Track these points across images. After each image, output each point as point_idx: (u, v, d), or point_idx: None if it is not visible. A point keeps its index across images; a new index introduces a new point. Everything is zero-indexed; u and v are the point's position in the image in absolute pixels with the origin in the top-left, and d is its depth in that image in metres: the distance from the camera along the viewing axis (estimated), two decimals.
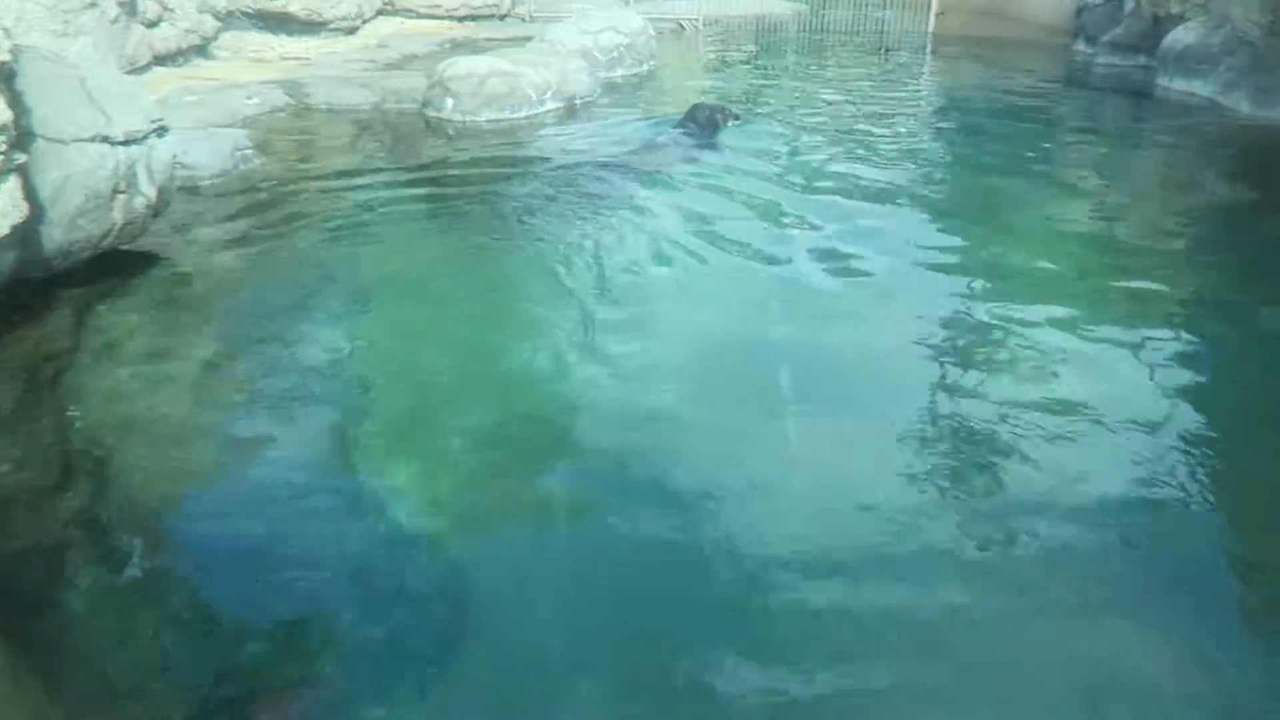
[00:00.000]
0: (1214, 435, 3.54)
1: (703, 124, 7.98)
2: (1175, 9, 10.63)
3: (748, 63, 13.05)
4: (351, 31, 12.59)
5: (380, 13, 13.67)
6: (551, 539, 2.99)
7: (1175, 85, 9.93)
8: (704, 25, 15.77)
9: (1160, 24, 10.95)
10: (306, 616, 2.65)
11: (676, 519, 3.02)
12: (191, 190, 6.27)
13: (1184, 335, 4.38)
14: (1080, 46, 12.68)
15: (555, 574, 2.80)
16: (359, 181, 6.71)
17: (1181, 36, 10.12)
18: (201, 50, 10.75)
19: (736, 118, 8.29)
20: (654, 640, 2.55)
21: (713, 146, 7.63)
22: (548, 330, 4.37)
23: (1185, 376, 3.99)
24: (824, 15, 16.66)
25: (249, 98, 8.65)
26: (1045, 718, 2.37)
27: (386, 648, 2.53)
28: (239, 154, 6.90)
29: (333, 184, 6.67)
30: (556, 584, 2.76)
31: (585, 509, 3.11)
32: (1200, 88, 9.57)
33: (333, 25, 12.17)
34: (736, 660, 2.46)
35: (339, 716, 2.33)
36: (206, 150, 6.67)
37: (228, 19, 11.28)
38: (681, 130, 7.91)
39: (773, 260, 5.23)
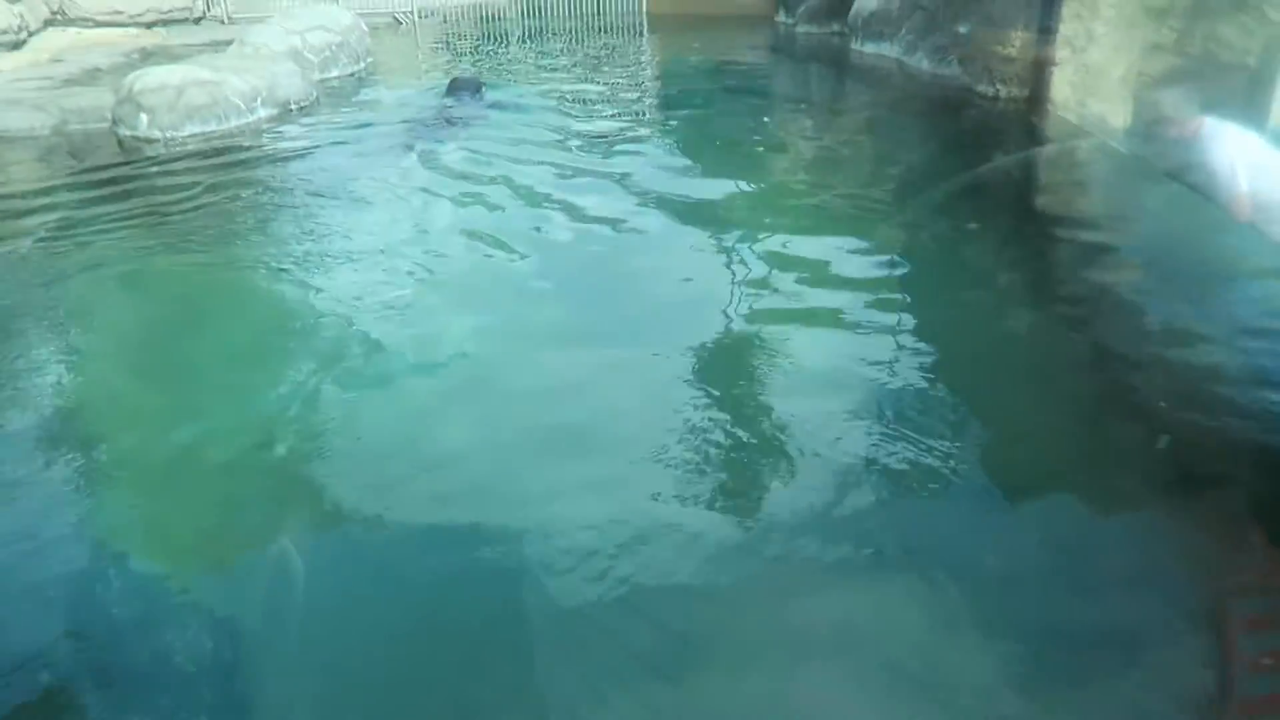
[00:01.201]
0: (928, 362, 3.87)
1: (469, 90, 9.09)
2: None
3: (472, 53, 12.85)
4: (17, 46, 11.17)
5: (49, 23, 12.24)
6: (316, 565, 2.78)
7: (867, 49, 10.79)
8: (420, 18, 15.36)
9: None
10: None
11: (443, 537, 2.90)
12: None
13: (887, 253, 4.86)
14: (781, 18, 13.51)
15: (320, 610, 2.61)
16: (44, 220, 5.92)
17: (867, 4, 10.98)
18: None
19: (485, 86, 9.39)
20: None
21: (485, 107, 8.76)
22: (277, 353, 4.07)
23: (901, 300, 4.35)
24: (542, 1, 16.72)
25: None
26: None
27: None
28: None
29: (9, 226, 5.86)
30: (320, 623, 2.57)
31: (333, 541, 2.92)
32: (888, 50, 10.44)
33: None
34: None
35: None
36: None
37: None
38: (453, 99, 8.90)
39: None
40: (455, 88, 9.10)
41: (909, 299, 4.44)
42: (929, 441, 3.25)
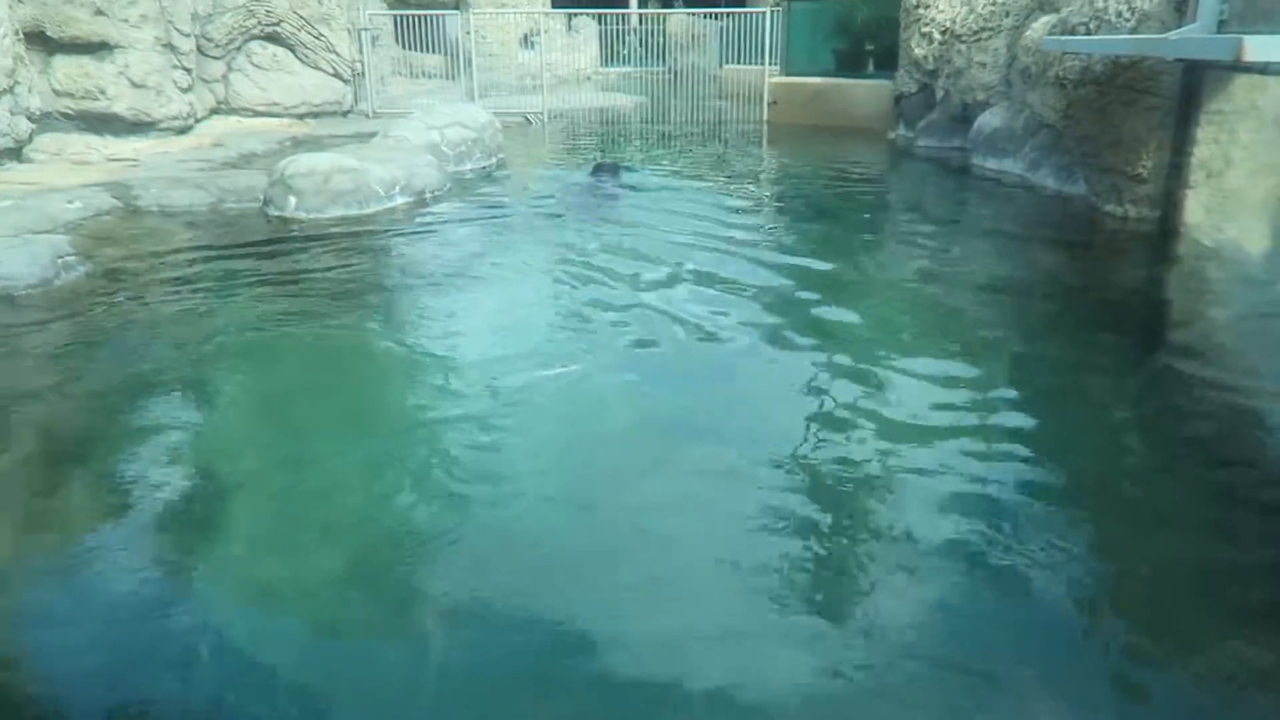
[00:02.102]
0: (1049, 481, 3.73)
1: (610, 171, 10.38)
2: (980, 96, 11.59)
3: (600, 151, 13.38)
4: (184, 131, 12.17)
5: (215, 111, 13.31)
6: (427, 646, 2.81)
7: (988, 164, 10.77)
8: (549, 119, 16.11)
9: (969, 109, 11.91)
10: None
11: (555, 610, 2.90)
12: (7, 301, 5.81)
13: (1008, 378, 4.68)
14: (900, 131, 13.65)
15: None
16: (197, 287, 6.37)
17: (989, 120, 11.02)
18: (15, 153, 10.12)
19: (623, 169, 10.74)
20: None
21: (622, 185, 9.99)
22: (417, 424, 4.21)
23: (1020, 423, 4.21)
24: (664, 106, 17.36)
25: (70, 201, 8.15)
26: None
27: None
28: (60, 261, 6.46)
29: (167, 291, 6.32)
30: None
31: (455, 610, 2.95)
32: (1010, 165, 10.41)
33: (163, 125, 11.74)
34: None
35: None
36: (23, 258, 6.21)
37: (44, 120, 10.70)
38: (596, 178, 10.20)
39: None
40: (598, 170, 10.42)
41: (1030, 423, 4.30)
42: (1052, 577, 3.12)
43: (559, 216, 8.59)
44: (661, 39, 20.89)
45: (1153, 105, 7.81)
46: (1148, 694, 2.63)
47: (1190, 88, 7.53)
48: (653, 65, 20.57)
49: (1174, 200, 7.72)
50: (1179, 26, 7.29)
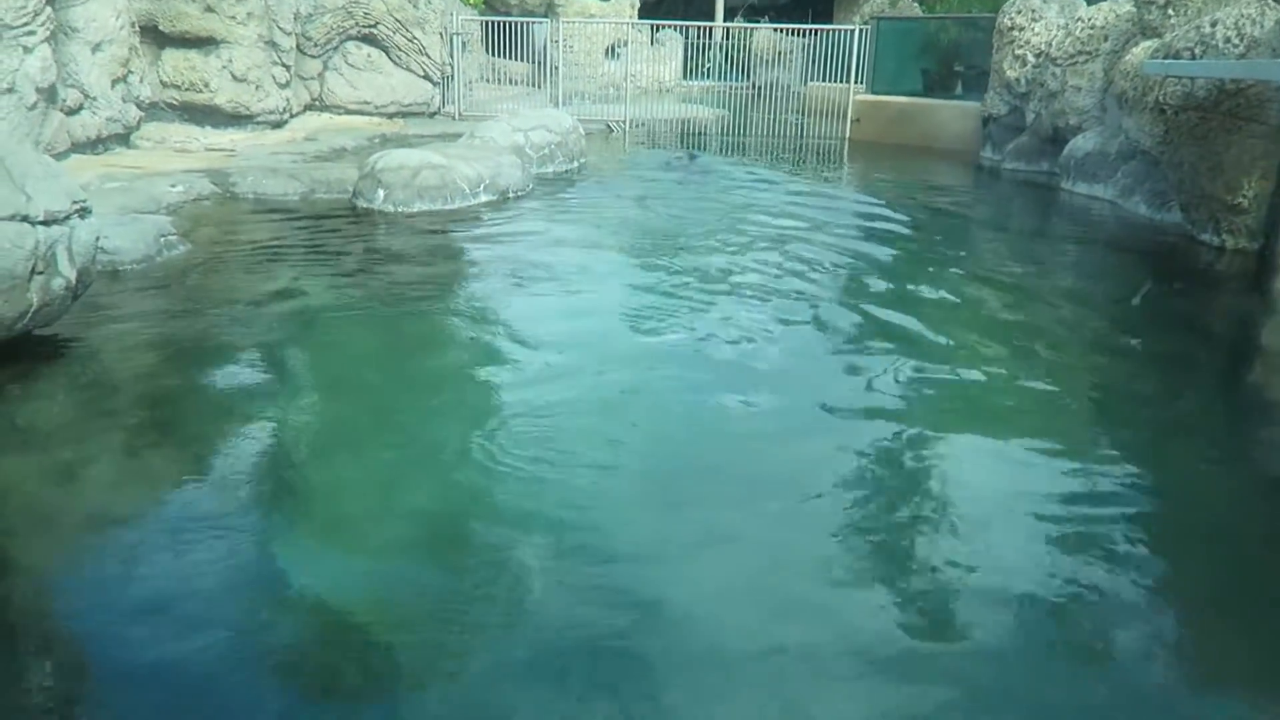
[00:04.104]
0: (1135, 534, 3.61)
1: (689, 155, 13.24)
2: (1073, 121, 11.35)
3: (677, 161, 13.45)
4: (279, 125, 12.57)
5: (309, 107, 13.71)
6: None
7: (1078, 189, 10.54)
8: (631, 127, 16.23)
9: (1060, 133, 11.67)
10: None
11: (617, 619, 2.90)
12: (113, 275, 6.05)
13: (1099, 426, 4.52)
14: (988, 154, 13.43)
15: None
16: (288, 269, 6.58)
17: (1081, 145, 10.79)
18: (124, 139, 10.56)
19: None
20: None
21: (697, 169, 12.27)
22: (493, 416, 4.26)
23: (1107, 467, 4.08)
24: (745, 120, 17.35)
25: (173, 185, 8.49)
26: None
27: None
28: (163, 240, 6.71)
29: (260, 271, 6.53)
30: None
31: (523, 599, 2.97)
32: (1101, 191, 10.17)
33: (260, 118, 12.14)
34: None
35: None
36: (129, 235, 6.47)
37: (151, 109, 11.15)
38: (681, 158, 13.05)
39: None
40: (683, 156, 13.03)
41: (1117, 462, 4.17)
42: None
43: (643, 202, 9.57)
44: (745, 54, 20.91)
45: (1258, 133, 7.56)
46: None
47: None
48: (735, 80, 20.59)
49: (1275, 232, 7.45)
50: None
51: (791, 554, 3.20)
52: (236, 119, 11.87)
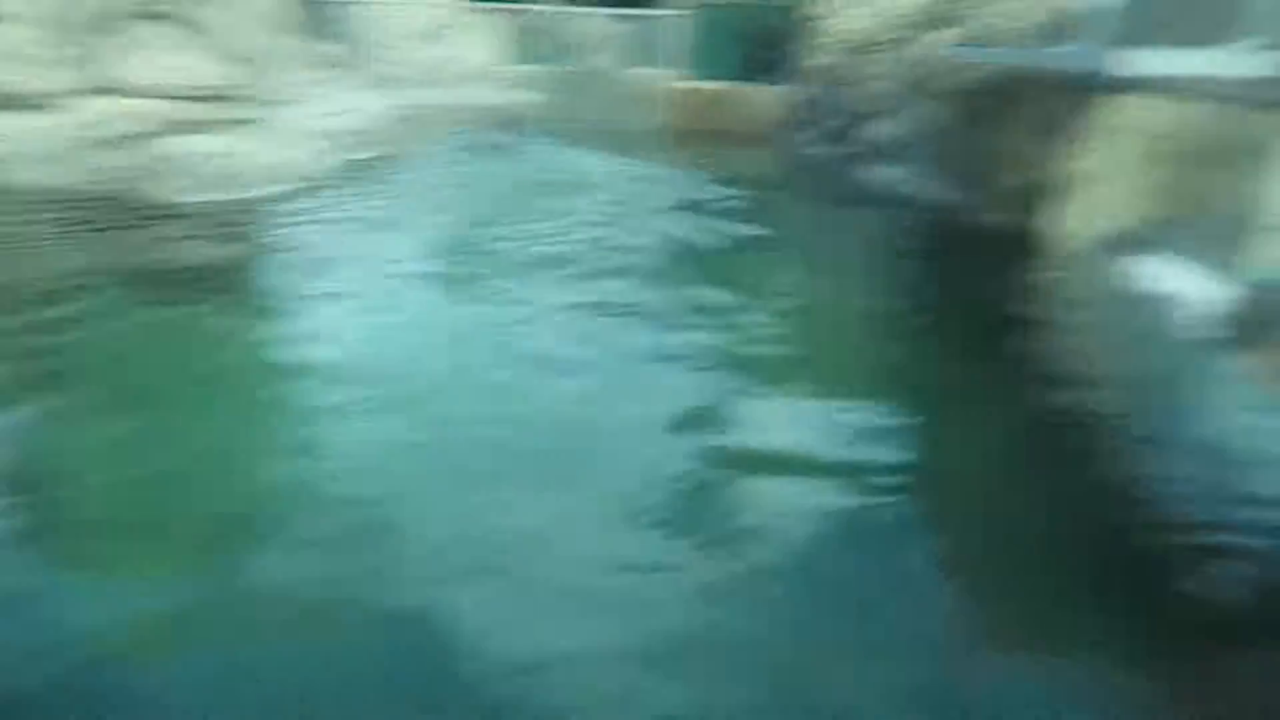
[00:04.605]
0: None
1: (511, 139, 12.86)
2: (873, 106, 11.86)
3: (494, 148, 13.22)
4: (57, 109, 11.51)
5: (96, 90, 12.63)
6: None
7: (878, 172, 11.03)
8: (446, 113, 15.83)
9: (862, 119, 12.17)
10: None
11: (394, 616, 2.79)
12: None
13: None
14: (797, 137, 13.88)
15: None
16: (64, 267, 6.01)
17: (880, 129, 11.29)
18: None
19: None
20: None
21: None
22: (277, 413, 4.03)
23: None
24: (562, 107, 17.26)
25: None
26: None
27: None
28: None
29: (27, 266, 5.95)
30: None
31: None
32: (899, 174, 10.68)
33: (33, 102, 11.07)
34: None
35: None
36: None
37: None
38: (498, 143, 12.70)
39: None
40: (497, 138, 12.85)
41: (912, 434, 4.37)
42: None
43: (451, 188, 9.15)
44: (571, 39, 20.78)
45: (1031, 119, 8.10)
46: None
47: (1066, 103, 7.83)
48: (558, 64, 20.43)
49: (1047, 211, 8.02)
50: (1065, 45, 7.58)
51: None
52: (7, 101, 10.78)
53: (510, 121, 15.98)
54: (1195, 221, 7.14)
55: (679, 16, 16.31)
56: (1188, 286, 6.07)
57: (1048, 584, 3.12)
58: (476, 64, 20.03)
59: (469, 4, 19.81)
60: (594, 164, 11.99)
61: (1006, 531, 3.42)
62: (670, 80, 16.06)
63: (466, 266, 6.40)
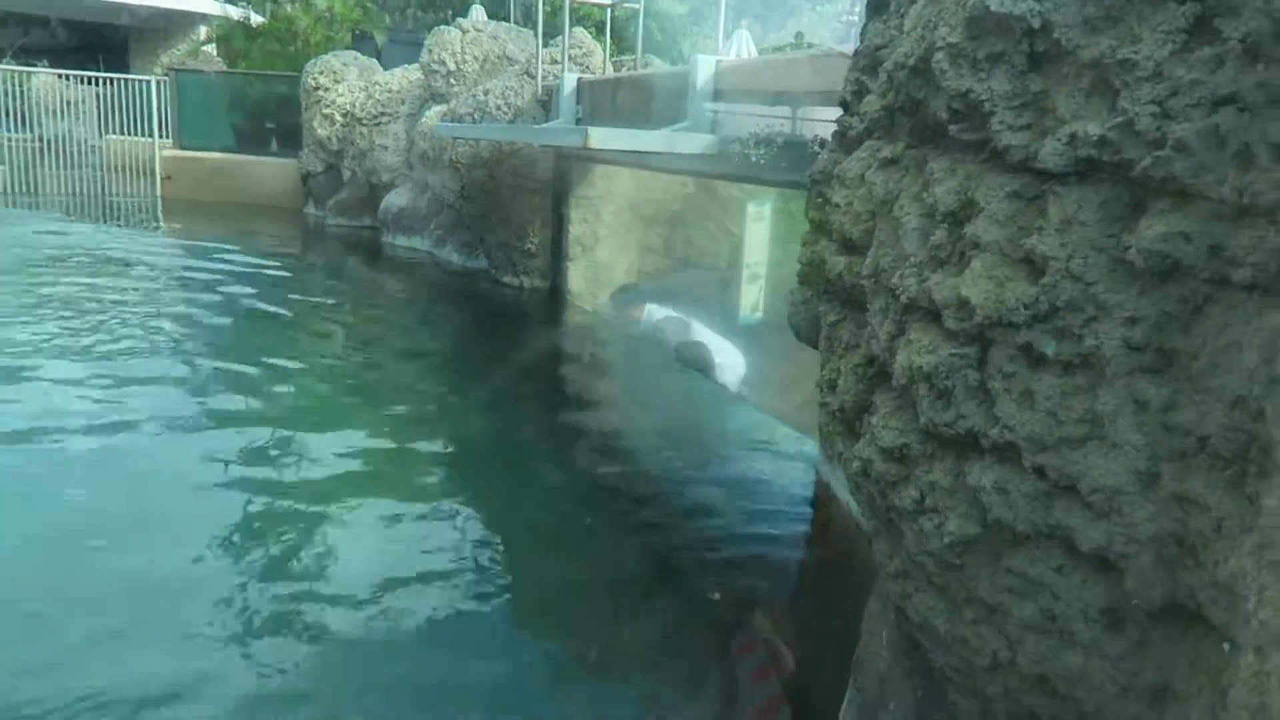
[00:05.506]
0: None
1: None
2: (385, 178, 12.05)
3: None
4: None
5: None
6: None
7: (399, 242, 11.21)
8: None
9: (375, 190, 12.29)
10: None
11: None
12: None
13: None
14: (310, 210, 13.57)
15: None
16: None
17: (395, 200, 11.49)
18: None
19: None
20: None
21: None
22: None
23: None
24: (32, 177, 15.05)
25: None
26: None
27: None
28: None
29: None
30: None
31: None
32: (419, 243, 10.95)
33: None
34: None
35: None
36: None
37: None
38: None
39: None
40: None
41: (454, 477, 4.50)
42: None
43: None
44: (24, 101, 18.07)
45: (533, 189, 8.83)
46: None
47: (562, 173, 8.68)
48: (14, 132, 17.66)
49: (559, 272, 8.80)
50: (547, 121, 8.38)
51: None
52: None
53: None
54: (679, 273, 8.33)
55: (157, 80, 15.10)
56: (674, 329, 7.07)
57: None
58: None
59: None
60: (103, 238, 10.57)
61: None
62: (162, 149, 14.77)
63: None
